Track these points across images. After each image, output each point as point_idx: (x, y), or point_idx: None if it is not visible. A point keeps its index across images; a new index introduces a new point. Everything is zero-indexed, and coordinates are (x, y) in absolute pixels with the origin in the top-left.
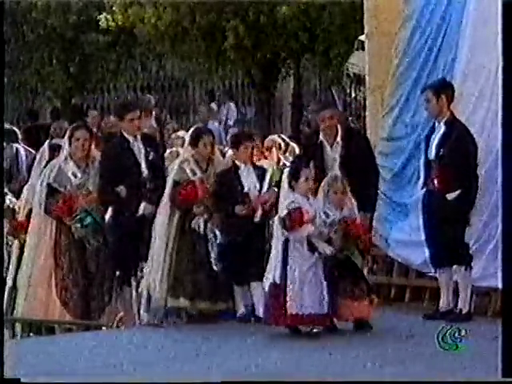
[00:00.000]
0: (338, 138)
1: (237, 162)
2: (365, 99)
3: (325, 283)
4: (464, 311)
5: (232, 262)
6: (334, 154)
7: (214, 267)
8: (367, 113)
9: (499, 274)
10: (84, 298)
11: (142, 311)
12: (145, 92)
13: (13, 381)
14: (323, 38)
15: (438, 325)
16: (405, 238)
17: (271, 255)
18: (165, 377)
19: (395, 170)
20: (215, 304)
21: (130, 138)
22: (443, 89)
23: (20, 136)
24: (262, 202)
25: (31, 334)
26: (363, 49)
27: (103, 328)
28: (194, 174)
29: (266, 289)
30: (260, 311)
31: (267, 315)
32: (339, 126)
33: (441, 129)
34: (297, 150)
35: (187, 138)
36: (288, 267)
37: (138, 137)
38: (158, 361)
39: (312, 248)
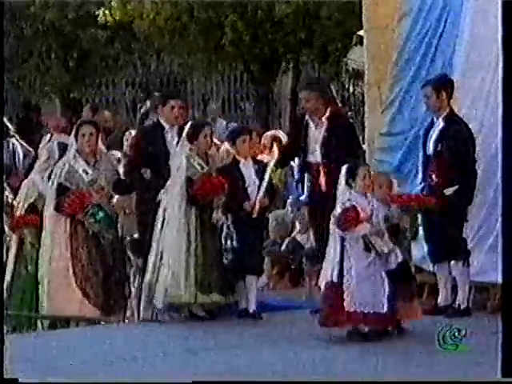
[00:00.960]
0: (323, 118)
1: (236, 156)
2: (363, 94)
3: (385, 282)
4: (463, 306)
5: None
6: (317, 133)
7: (225, 260)
8: (366, 108)
9: (498, 270)
10: (104, 290)
11: (142, 306)
12: (143, 87)
13: (13, 381)
14: (321, 34)
15: (436, 320)
16: None
17: (327, 254)
18: (167, 372)
19: (393, 165)
20: (233, 295)
21: (166, 126)
22: (443, 84)
23: (12, 129)
24: (261, 203)
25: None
26: (362, 44)
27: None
28: (202, 168)
29: (323, 288)
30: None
31: (324, 316)
32: (326, 107)
33: (440, 124)
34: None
35: (185, 134)
36: (344, 266)
37: (175, 126)
38: (160, 356)
39: (368, 246)
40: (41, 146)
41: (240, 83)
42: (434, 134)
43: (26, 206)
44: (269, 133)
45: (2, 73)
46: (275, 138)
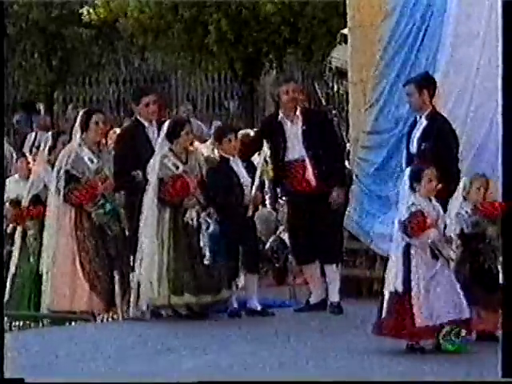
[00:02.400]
0: (298, 113)
1: (224, 155)
2: (347, 93)
3: (456, 291)
4: None
5: (232, 254)
6: (294, 129)
7: (206, 256)
8: (350, 106)
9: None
10: (108, 284)
11: (131, 306)
12: (127, 85)
13: (13, 381)
14: (305, 32)
15: None
16: (387, 231)
17: (390, 262)
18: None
19: (378, 163)
20: (218, 294)
21: (146, 123)
22: (425, 83)
23: None
24: (257, 199)
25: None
26: (346, 42)
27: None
28: (177, 167)
29: (387, 298)
30: (252, 305)
31: (387, 326)
32: (299, 101)
33: (422, 123)
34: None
35: (164, 132)
36: (411, 275)
37: (154, 122)
38: (149, 354)
39: (436, 254)
40: (26, 143)
41: (224, 81)
42: (417, 133)
43: (30, 197)
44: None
45: (2, 73)
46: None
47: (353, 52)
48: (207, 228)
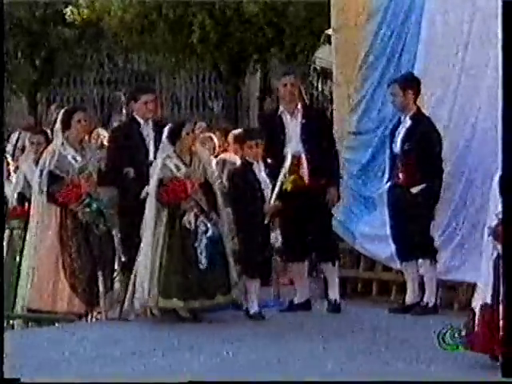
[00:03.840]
0: (299, 106)
1: (247, 159)
2: (331, 93)
3: None
4: (430, 305)
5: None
6: (293, 122)
7: (202, 260)
8: (334, 107)
9: (465, 268)
10: (91, 284)
11: (126, 305)
12: (111, 85)
13: (13, 381)
14: (290, 32)
15: (404, 318)
16: (371, 231)
17: (481, 271)
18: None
19: (362, 163)
20: (211, 300)
21: (141, 121)
22: (410, 83)
23: None
24: (275, 207)
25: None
26: (330, 43)
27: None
28: (179, 169)
29: (478, 310)
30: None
31: (476, 340)
32: (301, 96)
33: (406, 123)
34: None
35: (166, 133)
36: (501, 287)
37: (150, 121)
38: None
39: None
40: (9, 144)
41: (208, 82)
42: (400, 133)
43: (15, 195)
44: (237, 131)
45: (3, 73)
46: (240, 138)
47: (337, 52)
48: (206, 232)
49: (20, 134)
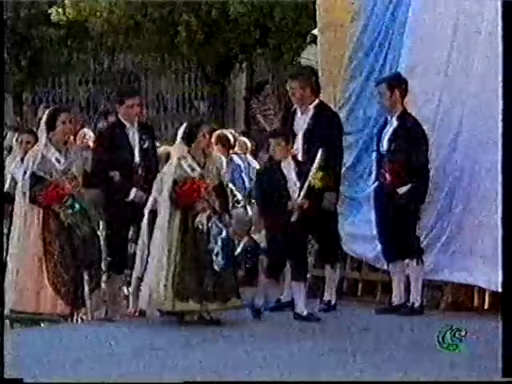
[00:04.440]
0: (311, 106)
1: (275, 157)
2: None
3: None
4: (416, 305)
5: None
6: (302, 120)
7: (218, 262)
8: None
9: (451, 268)
10: (75, 285)
11: (131, 306)
12: (97, 86)
13: (13, 381)
14: (276, 33)
15: (390, 318)
16: (357, 232)
17: None
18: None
19: (348, 164)
20: (227, 302)
21: (127, 124)
22: (397, 83)
23: None
24: (301, 205)
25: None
26: (316, 43)
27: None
28: (193, 170)
29: None
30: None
31: None
32: (314, 96)
33: (393, 123)
34: (248, 145)
35: (180, 134)
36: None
37: (135, 124)
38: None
39: None
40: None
41: (194, 82)
42: (387, 133)
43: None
44: (220, 132)
45: (2, 73)
46: (223, 138)
47: (323, 53)
48: (219, 233)
49: (6, 134)
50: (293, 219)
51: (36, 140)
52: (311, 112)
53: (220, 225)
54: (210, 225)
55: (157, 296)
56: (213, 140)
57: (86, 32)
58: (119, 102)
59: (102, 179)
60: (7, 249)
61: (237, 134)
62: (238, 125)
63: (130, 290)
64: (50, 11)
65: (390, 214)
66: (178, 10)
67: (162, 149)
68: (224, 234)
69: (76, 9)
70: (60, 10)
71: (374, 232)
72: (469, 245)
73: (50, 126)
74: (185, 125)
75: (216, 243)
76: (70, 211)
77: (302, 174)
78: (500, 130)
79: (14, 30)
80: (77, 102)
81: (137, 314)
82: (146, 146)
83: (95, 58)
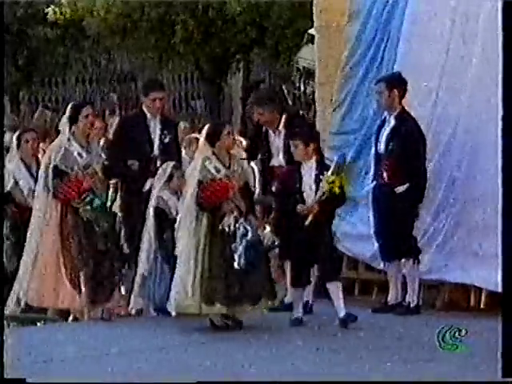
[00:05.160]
0: (281, 126)
1: (296, 158)
2: (314, 93)
3: None
4: (412, 304)
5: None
6: (277, 140)
7: (239, 263)
8: (316, 106)
9: (447, 268)
10: (94, 281)
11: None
12: (94, 85)
13: (13, 381)
14: (272, 32)
15: (386, 318)
16: (354, 231)
17: None
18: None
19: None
20: (255, 305)
21: (149, 115)
22: (396, 82)
23: None
24: (311, 209)
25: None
26: (313, 42)
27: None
28: (218, 171)
29: None
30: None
31: None
32: (280, 116)
33: (391, 123)
34: (244, 144)
35: (204, 135)
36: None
37: (158, 117)
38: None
39: None
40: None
41: (191, 81)
42: (385, 133)
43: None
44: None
45: (2, 73)
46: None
47: (320, 52)
48: (245, 234)
49: (4, 133)
50: (306, 223)
51: (36, 138)
52: (283, 132)
53: (247, 226)
54: (237, 226)
55: (183, 300)
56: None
57: (83, 31)
58: (143, 94)
59: (120, 168)
60: (11, 253)
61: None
62: (234, 124)
63: (135, 287)
64: (46, 11)
65: (388, 213)
66: (174, 10)
67: (186, 137)
68: (250, 235)
69: (73, 8)
70: (57, 9)
71: (371, 231)
72: (465, 244)
73: (73, 120)
74: (208, 125)
75: (241, 244)
76: (89, 207)
77: (319, 179)
78: (500, 130)
79: (10, 29)
80: (73, 101)
81: (133, 312)
82: (167, 140)
83: (92, 58)
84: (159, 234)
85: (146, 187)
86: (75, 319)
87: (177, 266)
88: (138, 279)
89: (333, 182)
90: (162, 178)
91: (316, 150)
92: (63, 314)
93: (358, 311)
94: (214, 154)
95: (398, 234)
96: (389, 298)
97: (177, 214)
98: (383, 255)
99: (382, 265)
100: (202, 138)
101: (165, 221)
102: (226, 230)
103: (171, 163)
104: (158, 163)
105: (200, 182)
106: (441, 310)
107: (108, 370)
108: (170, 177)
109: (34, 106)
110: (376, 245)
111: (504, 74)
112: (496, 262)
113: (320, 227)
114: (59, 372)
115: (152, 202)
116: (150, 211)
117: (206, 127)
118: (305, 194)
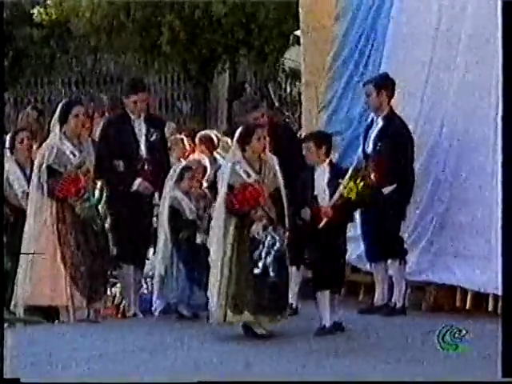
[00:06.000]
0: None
1: (308, 161)
2: (300, 94)
3: None
4: (398, 305)
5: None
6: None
7: (262, 272)
8: (303, 108)
9: (433, 269)
10: (91, 278)
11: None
12: (79, 86)
13: (13, 381)
14: (259, 33)
15: (372, 319)
16: None
17: None
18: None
19: None
20: (281, 314)
21: (133, 116)
22: (384, 84)
23: None
24: (324, 213)
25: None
26: (299, 44)
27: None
28: (249, 176)
29: None
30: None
31: None
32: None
33: (379, 123)
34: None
35: (236, 138)
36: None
37: (142, 116)
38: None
39: None
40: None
41: (177, 83)
42: (373, 134)
43: None
44: (203, 132)
45: (3, 73)
46: (206, 139)
47: (306, 53)
48: (273, 244)
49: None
50: (319, 227)
51: (30, 138)
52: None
53: (275, 235)
54: (265, 235)
55: (212, 308)
56: (196, 141)
57: (69, 32)
58: (125, 96)
59: (106, 168)
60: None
61: (219, 135)
62: (220, 125)
63: (155, 288)
64: (32, 11)
65: (375, 214)
66: (160, 11)
67: (172, 138)
68: (278, 245)
69: (58, 9)
70: (42, 10)
71: (358, 232)
72: (451, 245)
73: (63, 119)
74: (240, 128)
75: (269, 254)
76: (86, 205)
77: (334, 183)
78: (500, 130)
79: None
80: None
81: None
82: (153, 138)
83: (78, 59)
84: (175, 235)
85: (134, 187)
86: (59, 319)
87: (211, 273)
88: (156, 280)
89: (350, 187)
90: (172, 178)
91: (328, 152)
92: (48, 316)
93: (344, 313)
94: (244, 157)
95: (384, 235)
96: (375, 299)
97: (191, 214)
98: (369, 256)
99: (368, 266)
100: (233, 141)
101: (180, 220)
102: (256, 237)
103: (181, 164)
104: (146, 163)
105: (231, 187)
106: (427, 311)
107: (108, 370)
108: (181, 177)
109: (19, 107)
110: (362, 246)
111: (504, 74)
112: (481, 263)
113: (333, 232)
114: (59, 372)
115: (166, 202)
116: (165, 211)
117: (238, 130)
118: (319, 198)
